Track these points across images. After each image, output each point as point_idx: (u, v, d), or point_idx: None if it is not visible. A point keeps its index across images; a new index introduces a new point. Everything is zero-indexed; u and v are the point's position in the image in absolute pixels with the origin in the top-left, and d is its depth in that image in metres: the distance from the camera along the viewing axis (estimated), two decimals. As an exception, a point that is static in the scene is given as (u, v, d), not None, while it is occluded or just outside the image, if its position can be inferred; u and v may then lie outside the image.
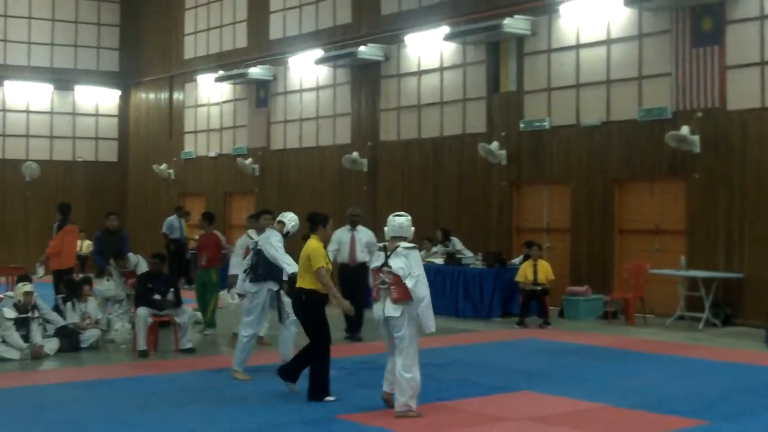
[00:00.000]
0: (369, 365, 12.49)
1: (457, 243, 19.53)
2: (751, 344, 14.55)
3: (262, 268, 11.85)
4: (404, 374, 9.29)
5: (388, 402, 9.60)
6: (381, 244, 9.77)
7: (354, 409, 9.73)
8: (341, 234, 15.24)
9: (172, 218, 24.14)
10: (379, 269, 9.57)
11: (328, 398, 10.07)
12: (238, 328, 14.23)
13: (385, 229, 9.73)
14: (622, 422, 9.28)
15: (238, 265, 14.32)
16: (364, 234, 15.31)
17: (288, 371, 10.56)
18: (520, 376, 11.73)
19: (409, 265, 9.37)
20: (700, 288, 16.50)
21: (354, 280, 14.87)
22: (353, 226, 15.32)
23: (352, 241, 15.17)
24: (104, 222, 16.69)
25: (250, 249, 13.69)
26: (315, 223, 10.52)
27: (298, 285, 10.37)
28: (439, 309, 18.03)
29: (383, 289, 9.49)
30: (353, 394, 10.58)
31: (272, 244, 11.64)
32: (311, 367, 10.27)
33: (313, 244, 10.29)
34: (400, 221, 9.72)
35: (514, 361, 13.09)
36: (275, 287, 11.92)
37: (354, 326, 15.04)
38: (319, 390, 10.10)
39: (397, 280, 9.34)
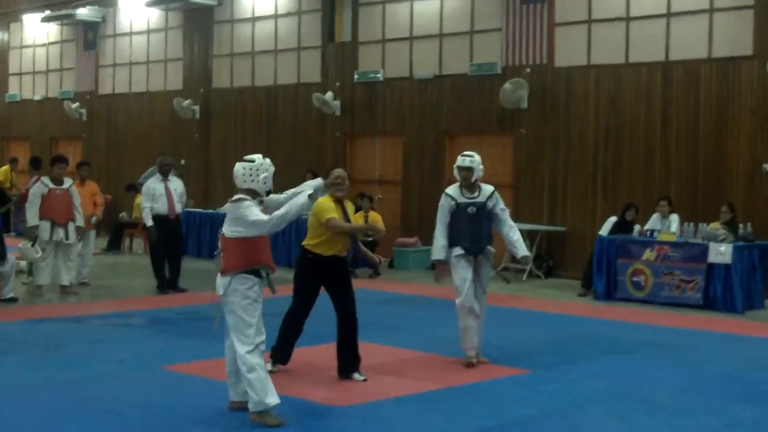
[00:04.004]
0: (194, 315, 12.41)
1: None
2: (571, 296, 15.09)
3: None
4: (247, 375, 7.31)
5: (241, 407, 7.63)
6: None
7: (180, 360, 9.63)
8: (154, 185, 14.42)
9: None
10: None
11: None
12: (41, 279, 14.09)
13: None
14: (445, 370, 9.46)
15: (36, 216, 13.89)
16: (177, 184, 14.77)
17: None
18: (349, 325, 11.82)
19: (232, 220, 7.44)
20: (525, 240, 16.93)
21: (173, 233, 14.55)
22: (165, 176, 14.54)
23: (168, 191, 14.43)
24: None
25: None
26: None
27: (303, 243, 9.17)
28: (273, 260, 18.26)
29: (216, 257, 7.58)
30: (179, 344, 10.50)
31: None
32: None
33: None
34: (236, 168, 7.64)
35: (343, 310, 13.15)
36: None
37: (171, 279, 14.72)
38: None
39: (227, 244, 7.42)
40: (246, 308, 7.37)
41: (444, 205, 9.83)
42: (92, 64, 26.50)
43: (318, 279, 8.87)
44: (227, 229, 7.44)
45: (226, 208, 7.48)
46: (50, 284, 14.31)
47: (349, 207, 9.18)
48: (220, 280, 7.42)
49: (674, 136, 16.06)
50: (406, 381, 9.02)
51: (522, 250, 9.98)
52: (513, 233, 9.92)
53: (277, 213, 7.38)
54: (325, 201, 8.85)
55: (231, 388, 7.69)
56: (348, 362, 9.02)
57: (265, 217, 7.36)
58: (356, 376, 8.97)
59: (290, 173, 21.04)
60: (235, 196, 7.47)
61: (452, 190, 9.86)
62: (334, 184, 8.84)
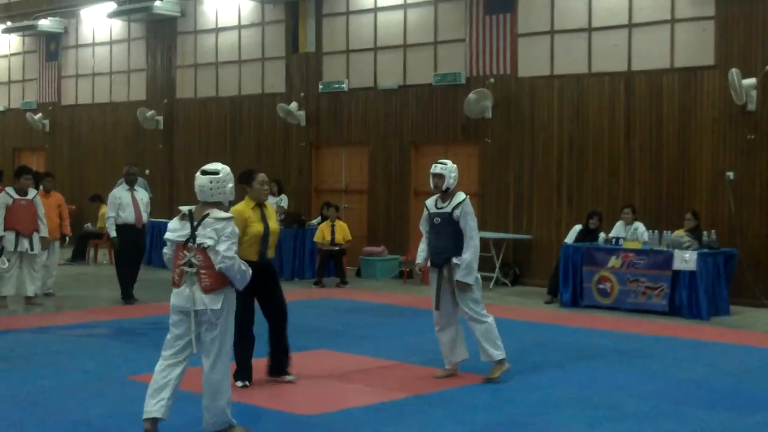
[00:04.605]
0: (160, 325, 12.30)
1: (284, 200, 19.08)
2: (537, 303, 15.14)
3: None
4: (219, 399, 7.08)
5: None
6: (186, 209, 7.21)
7: (145, 370, 9.54)
8: (121, 194, 14.34)
9: None
10: (184, 244, 7.05)
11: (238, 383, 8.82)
12: (6, 290, 14.01)
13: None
14: (413, 378, 9.47)
15: (1, 226, 13.77)
16: (143, 193, 14.76)
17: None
18: (317, 334, 11.81)
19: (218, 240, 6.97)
20: (491, 249, 17.02)
21: (137, 242, 14.52)
22: (131, 185, 14.48)
23: (134, 201, 14.37)
24: None
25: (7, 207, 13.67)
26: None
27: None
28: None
29: (189, 273, 6.99)
30: (145, 354, 10.41)
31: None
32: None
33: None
34: (201, 181, 7.11)
35: (311, 320, 13.13)
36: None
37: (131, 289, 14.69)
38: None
39: (210, 261, 6.96)
40: (231, 325, 7.19)
41: (423, 215, 9.76)
42: (55, 75, 26.33)
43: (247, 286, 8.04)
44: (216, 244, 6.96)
45: (208, 223, 6.95)
46: (15, 295, 14.18)
47: (270, 210, 9.09)
48: (209, 297, 6.94)
49: (638, 145, 16.18)
50: (375, 389, 9.01)
51: (460, 274, 9.31)
52: (465, 252, 9.31)
53: (239, 262, 7.03)
54: (239, 207, 8.82)
55: (155, 400, 7.05)
56: (279, 363, 9.09)
57: (234, 254, 7.00)
58: (288, 377, 9.08)
59: (255, 184, 21.02)
60: (220, 213, 7.05)
61: (430, 200, 9.74)
62: (261, 189, 8.88)
